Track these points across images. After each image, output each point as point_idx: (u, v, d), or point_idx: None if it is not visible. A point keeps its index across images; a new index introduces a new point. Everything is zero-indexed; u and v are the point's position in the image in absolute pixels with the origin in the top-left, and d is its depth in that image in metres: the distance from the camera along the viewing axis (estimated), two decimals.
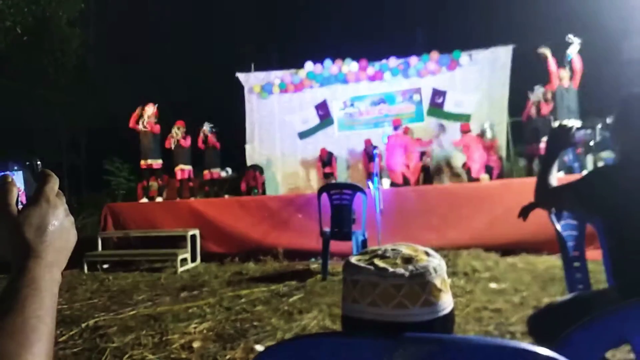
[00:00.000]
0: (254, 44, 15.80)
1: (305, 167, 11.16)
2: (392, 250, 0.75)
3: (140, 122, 8.36)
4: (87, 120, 15.94)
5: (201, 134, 9.50)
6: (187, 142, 9.00)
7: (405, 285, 0.67)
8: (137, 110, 8.47)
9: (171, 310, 4.16)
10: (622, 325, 0.98)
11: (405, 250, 0.75)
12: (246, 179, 10.63)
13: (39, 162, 0.62)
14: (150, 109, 8.44)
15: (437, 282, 0.70)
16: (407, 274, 0.68)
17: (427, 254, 0.74)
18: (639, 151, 1.69)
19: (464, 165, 9.09)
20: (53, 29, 13.71)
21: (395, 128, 9.22)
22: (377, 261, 0.72)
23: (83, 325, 3.82)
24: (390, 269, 0.69)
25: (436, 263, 0.71)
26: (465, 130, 9.14)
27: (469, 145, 8.83)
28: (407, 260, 0.72)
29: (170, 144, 8.89)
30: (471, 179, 8.54)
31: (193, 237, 6.69)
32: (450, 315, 0.71)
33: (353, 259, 0.75)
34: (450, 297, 0.72)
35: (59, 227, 0.58)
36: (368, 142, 9.79)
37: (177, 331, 3.54)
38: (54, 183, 0.60)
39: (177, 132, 8.88)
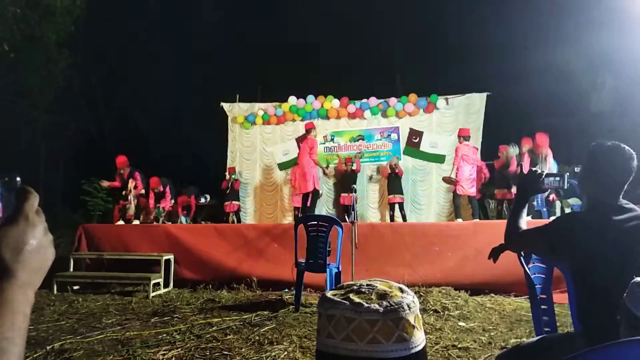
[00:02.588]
0: (240, 76, 16.13)
1: (284, 198, 11.28)
2: (367, 285, 0.75)
3: (126, 193, 8.40)
4: (67, 140, 15.80)
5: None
6: (167, 203, 9.07)
7: (380, 320, 0.68)
8: (117, 179, 8.52)
9: (140, 336, 4.11)
10: None
11: (380, 286, 0.75)
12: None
13: (18, 179, 0.63)
14: (132, 184, 8.45)
15: (411, 319, 0.70)
16: (381, 309, 0.68)
17: (401, 290, 0.75)
18: (604, 199, 1.78)
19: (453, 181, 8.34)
20: (41, 48, 13.71)
21: (307, 132, 8.84)
22: (352, 296, 0.72)
23: (48, 347, 3.73)
24: (365, 304, 0.69)
25: (410, 300, 0.72)
26: (464, 136, 8.29)
27: (463, 157, 8.00)
28: (382, 296, 0.72)
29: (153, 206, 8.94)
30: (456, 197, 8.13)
31: (167, 261, 6.64)
32: (423, 352, 0.71)
33: (329, 294, 0.75)
34: (423, 334, 0.72)
35: (37, 247, 0.56)
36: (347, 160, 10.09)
37: (145, 357, 3.50)
38: (34, 200, 0.58)
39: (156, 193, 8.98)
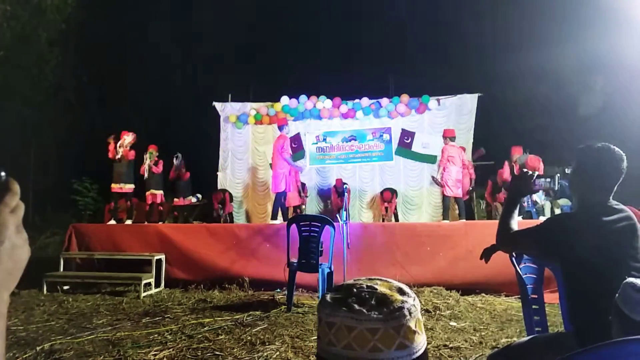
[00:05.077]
0: (233, 75, 16.07)
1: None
2: (368, 287, 0.73)
3: (118, 150, 8.26)
4: (58, 139, 15.66)
5: (173, 166, 9.52)
6: (159, 169, 8.93)
7: (381, 329, 0.67)
8: (111, 142, 8.33)
9: (131, 336, 4.10)
10: None
11: (381, 288, 0.73)
12: (215, 198, 10.56)
13: (2, 174, 0.58)
14: (128, 138, 8.38)
15: (412, 324, 0.69)
16: (382, 317, 0.67)
17: (402, 292, 0.74)
18: (595, 200, 1.81)
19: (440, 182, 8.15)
20: (31, 46, 13.57)
21: (280, 128, 8.59)
22: (352, 302, 0.71)
23: (38, 348, 3.71)
24: (366, 312, 0.68)
25: (411, 304, 0.70)
26: (450, 137, 8.11)
27: (449, 158, 7.88)
28: (382, 301, 0.70)
29: (144, 171, 8.77)
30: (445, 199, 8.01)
31: (159, 261, 6.60)
32: (424, 355, 0.70)
33: (328, 297, 0.74)
34: (424, 337, 0.71)
35: (8, 248, 0.55)
36: (339, 182, 10.10)
37: (136, 358, 3.49)
38: (10, 199, 0.56)
39: (150, 156, 8.81)
